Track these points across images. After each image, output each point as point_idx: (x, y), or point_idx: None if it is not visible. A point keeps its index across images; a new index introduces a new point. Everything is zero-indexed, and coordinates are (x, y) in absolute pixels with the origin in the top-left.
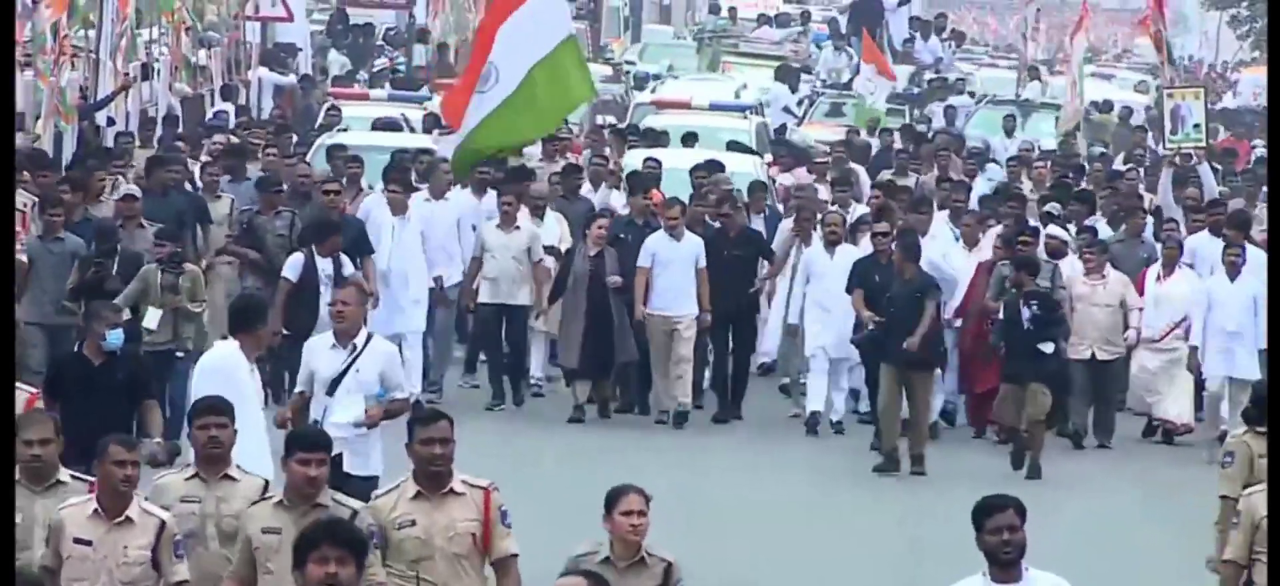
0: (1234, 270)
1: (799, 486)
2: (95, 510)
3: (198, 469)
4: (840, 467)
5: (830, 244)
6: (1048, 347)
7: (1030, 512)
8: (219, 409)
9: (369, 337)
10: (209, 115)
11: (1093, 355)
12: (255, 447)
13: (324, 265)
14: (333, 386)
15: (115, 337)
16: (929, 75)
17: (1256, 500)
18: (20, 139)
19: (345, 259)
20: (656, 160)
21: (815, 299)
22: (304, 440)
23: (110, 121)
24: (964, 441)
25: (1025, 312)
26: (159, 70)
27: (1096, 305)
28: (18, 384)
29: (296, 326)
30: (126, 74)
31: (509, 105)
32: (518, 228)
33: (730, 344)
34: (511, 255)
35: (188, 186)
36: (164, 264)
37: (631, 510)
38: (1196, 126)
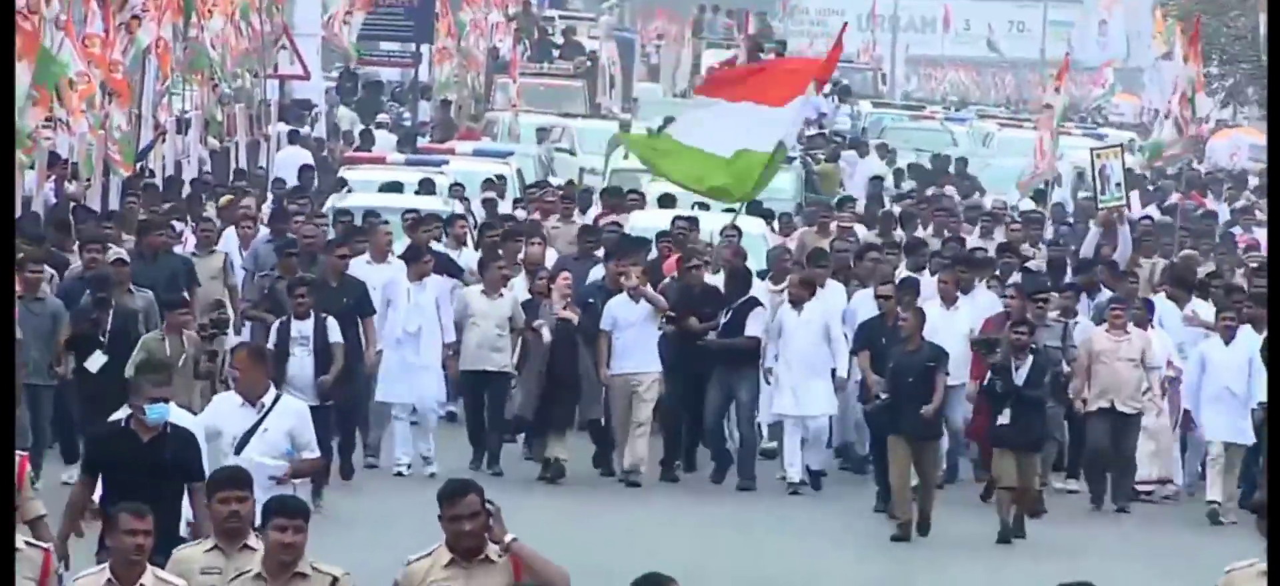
0: (1229, 333)
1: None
2: (108, 581)
3: (217, 541)
4: (837, 529)
5: (795, 302)
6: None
7: (1031, 577)
8: (238, 481)
9: (278, 397)
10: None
11: (1113, 406)
12: None
13: (299, 328)
14: (240, 445)
15: (157, 412)
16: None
17: (1236, 577)
18: (74, 187)
19: (331, 322)
20: (690, 219)
21: (782, 357)
22: (282, 507)
23: (150, 173)
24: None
25: (1019, 374)
26: (191, 123)
27: (1120, 360)
28: None
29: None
30: (160, 126)
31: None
32: (501, 295)
33: (694, 398)
34: (494, 322)
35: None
36: (202, 331)
37: None
38: (1118, 185)
